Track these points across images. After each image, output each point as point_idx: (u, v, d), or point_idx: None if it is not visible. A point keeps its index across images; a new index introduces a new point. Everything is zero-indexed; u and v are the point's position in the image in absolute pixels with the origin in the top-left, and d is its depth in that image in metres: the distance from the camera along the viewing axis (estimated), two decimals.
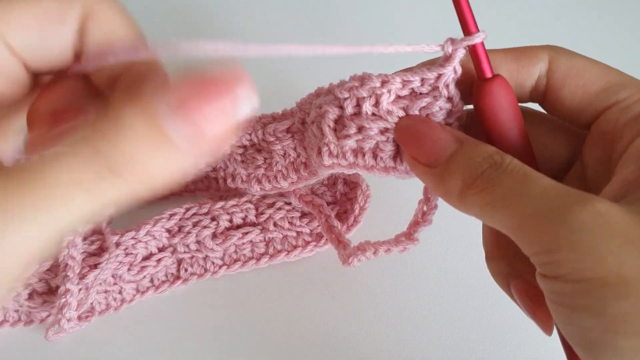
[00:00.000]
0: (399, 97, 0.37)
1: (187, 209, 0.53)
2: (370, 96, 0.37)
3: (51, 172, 0.24)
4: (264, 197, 0.54)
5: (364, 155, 0.39)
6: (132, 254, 0.51)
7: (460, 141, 0.34)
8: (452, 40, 0.36)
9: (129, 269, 0.52)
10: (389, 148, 0.38)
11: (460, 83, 0.37)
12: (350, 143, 0.38)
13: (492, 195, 0.30)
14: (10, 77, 0.29)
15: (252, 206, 0.53)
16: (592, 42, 0.70)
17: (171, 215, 0.52)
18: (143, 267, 0.52)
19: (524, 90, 0.37)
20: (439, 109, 0.37)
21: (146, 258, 0.52)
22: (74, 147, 0.24)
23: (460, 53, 0.36)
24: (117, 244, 0.51)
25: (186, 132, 0.24)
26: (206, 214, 0.53)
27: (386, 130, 0.38)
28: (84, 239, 0.50)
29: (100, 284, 0.50)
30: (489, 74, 0.36)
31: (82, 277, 0.49)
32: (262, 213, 0.53)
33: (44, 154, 0.24)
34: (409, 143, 0.36)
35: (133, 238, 0.51)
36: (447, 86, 0.36)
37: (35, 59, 0.29)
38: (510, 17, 0.73)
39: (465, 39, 0.35)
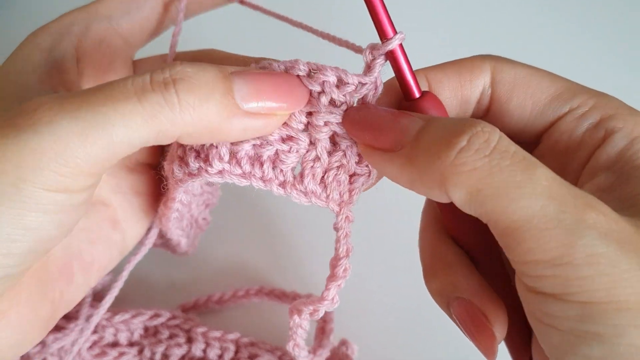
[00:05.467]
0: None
1: (172, 317, 0.49)
2: None
3: (120, 89, 0.27)
4: (251, 344, 0.48)
5: (261, 164, 0.32)
6: (99, 333, 0.48)
7: (427, 118, 0.29)
8: (372, 47, 0.30)
9: (90, 347, 0.48)
10: (290, 160, 0.32)
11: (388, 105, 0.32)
12: (247, 147, 0.32)
13: (488, 181, 0.25)
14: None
15: (232, 347, 0.47)
16: (526, 51, 0.62)
17: (155, 315, 0.49)
18: (104, 353, 0.48)
19: (470, 106, 0.34)
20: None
21: (112, 345, 0.49)
22: (149, 73, 0.28)
23: (381, 61, 0.30)
24: (89, 317, 0.48)
25: (245, 91, 0.28)
26: (187, 330, 0.48)
27: (289, 138, 0.32)
28: None
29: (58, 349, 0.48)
30: (416, 93, 0.31)
31: None
32: (238, 359, 0.47)
33: (115, 80, 0.28)
34: (363, 129, 0.31)
35: (107, 320, 0.48)
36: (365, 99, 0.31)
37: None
38: (440, 27, 0.65)
39: (383, 44, 0.30)
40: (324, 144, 0.32)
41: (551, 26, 0.67)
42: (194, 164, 0.32)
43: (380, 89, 0.32)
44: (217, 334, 0.48)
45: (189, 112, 0.28)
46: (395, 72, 0.31)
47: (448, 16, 0.67)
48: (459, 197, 0.26)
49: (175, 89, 0.27)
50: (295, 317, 0.34)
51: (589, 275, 0.24)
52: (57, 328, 0.47)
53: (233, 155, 0.32)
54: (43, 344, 0.46)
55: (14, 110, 0.28)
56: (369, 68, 0.31)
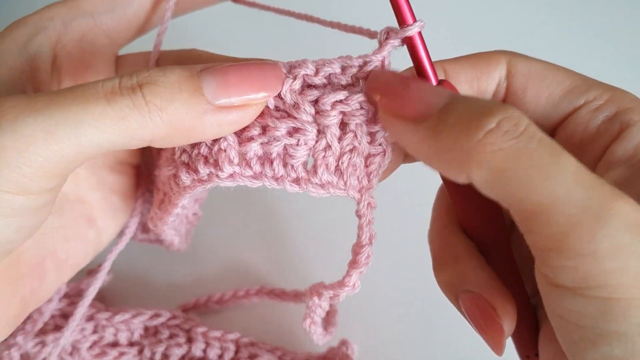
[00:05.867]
0: (309, 86, 0.31)
1: (172, 317, 0.49)
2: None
3: (90, 91, 0.27)
4: (251, 344, 0.48)
5: (271, 162, 0.31)
6: (99, 333, 0.48)
7: (454, 94, 0.28)
8: (388, 29, 0.30)
9: (90, 347, 0.48)
10: (300, 153, 0.31)
11: None
12: (255, 147, 0.31)
13: (514, 162, 0.25)
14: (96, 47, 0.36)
15: (232, 347, 0.47)
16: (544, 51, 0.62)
17: (155, 315, 0.49)
18: (104, 353, 0.48)
19: (486, 99, 0.34)
20: (359, 106, 0.30)
21: (112, 345, 0.49)
22: (118, 78, 0.28)
23: (394, 42, 0.30)
24: (90, 318, 0.48)
25: (214, 86, 0.28)
26: (187, 330, 0.48)
27: (296, 130, 0.31)
28: (66, 296, 0.48)
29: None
30: (433, 81, 0.31)
31: (42, 332, 0.47)
32: (238, 359, 0.47)
33: (88, 81, 0.28)
34: (388, 93, 0.29)
35: (107, 320, 0.48)
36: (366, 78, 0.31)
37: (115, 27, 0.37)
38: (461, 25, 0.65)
39: (401, 29, 0.30)
40: (333, 130, 0.31)
41: (560, 24, 0.67)
42: (203, 170, 0.32)
43: (388, 69, 0.31)
44: (217, 334, 0.47)
45: (157, 114, 0.28)
46: (412, 59, 0.31)
47: (456, 16, 0.67)
48: (481, 177, 0.26)
49: (142, 93, 0.27)
50: (315, 298, 0.34)
51: (611, 268, 0.23)
52: (57, 328, 0.47)
53: (242, 156, 0.31)
54: (43, 344, 0.46)
55: None
56: (379, 46, 0.31)
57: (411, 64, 0.32)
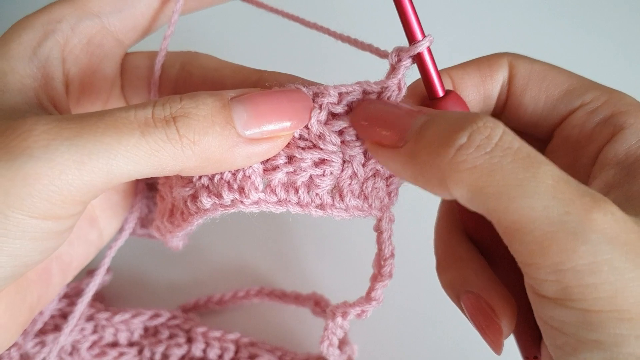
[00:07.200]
0: (333, 115, 0.31)
1: (172, 317, 0.49)
2: None
3: (123, 121, 0.27)
4: (251, 344, 0.48)
5: (296, 190, 0.31)
6: (98, 333, 0.48)
7: (432, 113, 0.29)
8: (398, 50, 0.30)
9: (90, 347, 0.48)
10: (325, 183, 0.31)
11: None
12: (280, 176, 0.31)
13: (489, 180, 0.25)
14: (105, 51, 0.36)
15: (232, 347, 0.47)
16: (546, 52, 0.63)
17: (155, 315, 0.49)
18: (104, 353, 0.48)
19: (491, 102, 0.35)
20: None
21: (111, 345, 0.49)
22: (151, 107, 0.28)
23: (406, 63, 0.30)
24: (90, 318, 0.48)
25: (245, 117, 0.28)
26: (187, 330, 0.48)
27: (322, 162, 0.31)
28: (65, 296, 0.48)
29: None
30: (440, 92, 0.31)
31: (42, 332, 0.47)
32: (238, 359, 0.47)
33: (117, 107, 0.28)
34: (369, 126, 0.30)
35: (107, 320, 0.48)
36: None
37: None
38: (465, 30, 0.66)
39: (411, 47, 0.30)
40: (359, 159, 0.32)
41: (562, 26, 0.67)
42: (227, 197, 0.31)
43: (404, 90, 0.31)
44: (217, 334, 0.47)
45: (190, 148, 0.28)
46: (421, 73, 0.31)
47: (458, 18, 0.67)
48: (461, 195, 0.26)
49: (176, 126, 0.27)
50: (339, 319, 0.34)
51: (591, 283, 0.24)
52: (57, 328, 0.47)
53: (267, 183, 0.31)
54: (43, 343, 0.46)
55: (2, 129, 0.27)
56: (393, 70, 0.31)
57: (418, 75, 0.32)
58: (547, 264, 0.24)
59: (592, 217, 0.24)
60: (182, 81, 0.37)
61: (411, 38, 0.30)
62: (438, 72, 0.31)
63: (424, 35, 0.30)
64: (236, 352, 0.47)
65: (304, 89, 0.31)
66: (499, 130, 0.26)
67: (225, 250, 0.54)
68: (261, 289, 0.51)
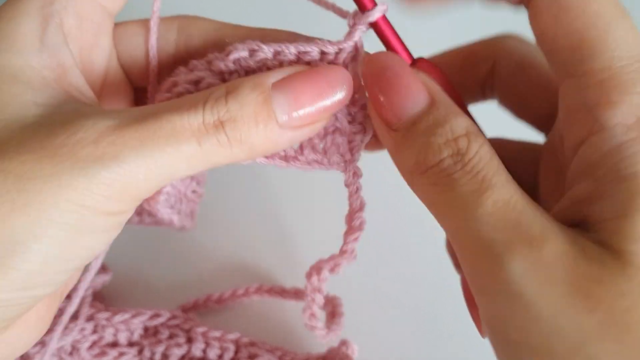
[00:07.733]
0: None
1: (172, 317, 0.49)
2: (260, 69, 0.32)
3: (179, 129, 0.28)
4: (251, 344, 0.48)
5: None
6: (98, 333, 0.48)
7: (432, 100, 0.29)
8: (354, 13, 0.31)
9: (90, 347, 0.48)
10: None
11: None
12: None
13: (443, 197, 0.27)
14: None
15: (232, 347, 0.47)
16: None
17: (155, 315, 0.49)
18: (104, 353, 0.48)
19: (477, 87, 0.36)
20: None
21: (111, 345, 0.49)
22: (191, 101, 0.29)
23: (362, 27, 0.31)
24: (90, 318, 0.48)
25: (287, 109, 0.29)
26: (187, 330, 0.48)
27: None
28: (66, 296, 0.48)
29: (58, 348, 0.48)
30: (406, 59, 0.31)
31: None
32: (238, 359, 0.47)
33: (163, 103, 0.29)
34: (374, 86, 0.30)
35: (107, 320, 0.48)
36: (346, 66, 0.32)
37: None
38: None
39: (364, 14, 0.31)
40: None
41: None
42: None
43: (361, 53, 0.32)
44: (217, 334, 0.47)
45: (238, 147, 0.29)
46: (382, 42, 0.32)
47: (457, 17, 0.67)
48: (422, 203, 0.29)
49: (225, 131, 0.29)
50: (314, 279, 0.35)
51: (508, 313, 0.25)
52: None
53: None
54: (43, 343, 0.46)
55: (61, 138, 0.27)
56: (348, 32, 0.32)
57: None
58: (477, 290, 0.27)
59: (514, 250, 0.25)
60: (182, 44, 0.37)
61: (362, 7, 0.31)
62: (400, 40, 0.32)
63: (374, 5, 0.31)
64: (236, 352, 0.47)
65: (342, 70, 0.31)
66: (473, 150, 0.27)
67: (224, 249, 0.54)
68: (260, 286, 0.51)
